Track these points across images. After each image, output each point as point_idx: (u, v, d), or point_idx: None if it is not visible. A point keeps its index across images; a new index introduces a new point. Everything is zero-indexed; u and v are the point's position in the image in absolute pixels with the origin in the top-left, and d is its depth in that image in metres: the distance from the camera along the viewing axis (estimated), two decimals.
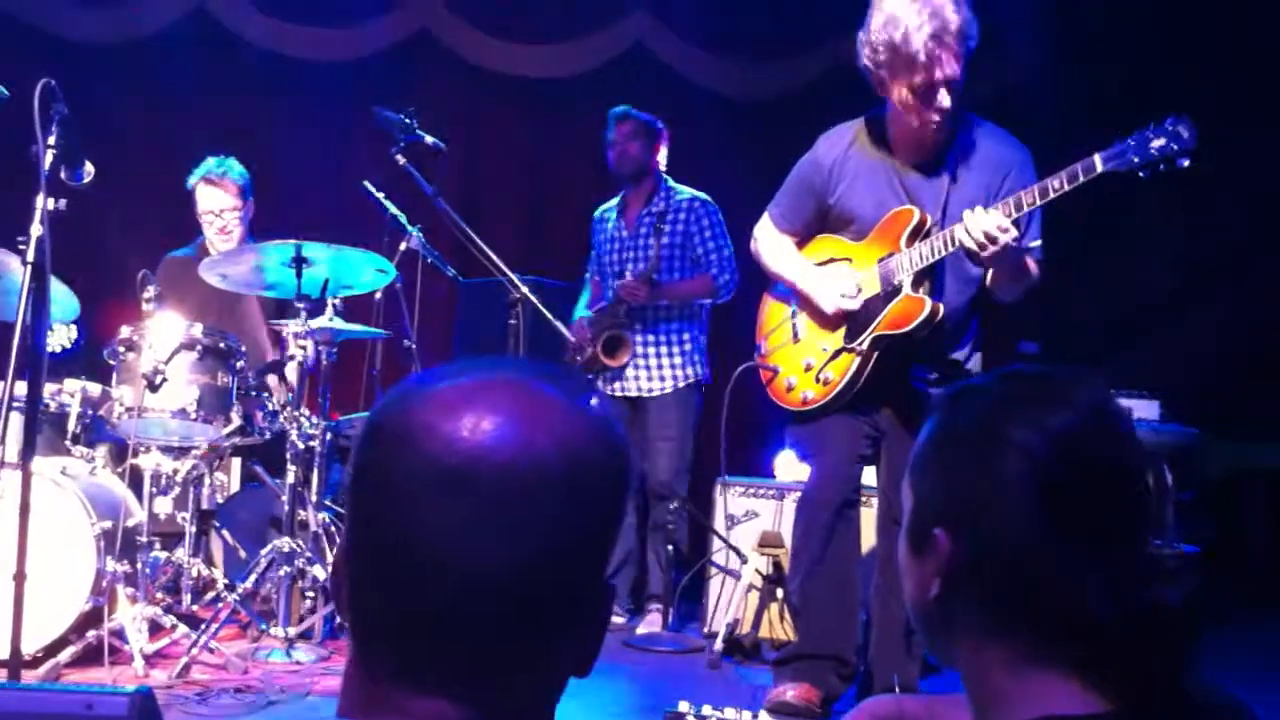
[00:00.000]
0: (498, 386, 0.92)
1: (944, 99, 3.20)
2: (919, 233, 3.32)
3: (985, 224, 3.10)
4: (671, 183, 5.12)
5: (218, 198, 4.77)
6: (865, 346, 3.39)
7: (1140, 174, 2.98)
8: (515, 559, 0.88)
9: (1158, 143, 2.94)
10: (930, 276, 3.34)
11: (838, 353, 3.45)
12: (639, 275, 4.91)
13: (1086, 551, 1.11)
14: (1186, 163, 2.93)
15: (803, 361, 3.53)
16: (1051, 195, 3.06)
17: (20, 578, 2.80)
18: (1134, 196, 5.48)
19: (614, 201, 5.24)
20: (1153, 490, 1.15)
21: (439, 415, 0.90)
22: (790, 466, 5.04)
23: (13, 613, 2.79)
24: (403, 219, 4.24)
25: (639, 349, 4.99)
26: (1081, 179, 3.02)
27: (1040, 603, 1.11)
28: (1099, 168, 3.00)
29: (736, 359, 3.81)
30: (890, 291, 3.36)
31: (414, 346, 4.29)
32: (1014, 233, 3.11)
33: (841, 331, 3.45)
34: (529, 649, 0.91)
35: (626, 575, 5.08)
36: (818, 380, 3.48)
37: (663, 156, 5.12)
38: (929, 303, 3.31)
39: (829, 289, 3.45)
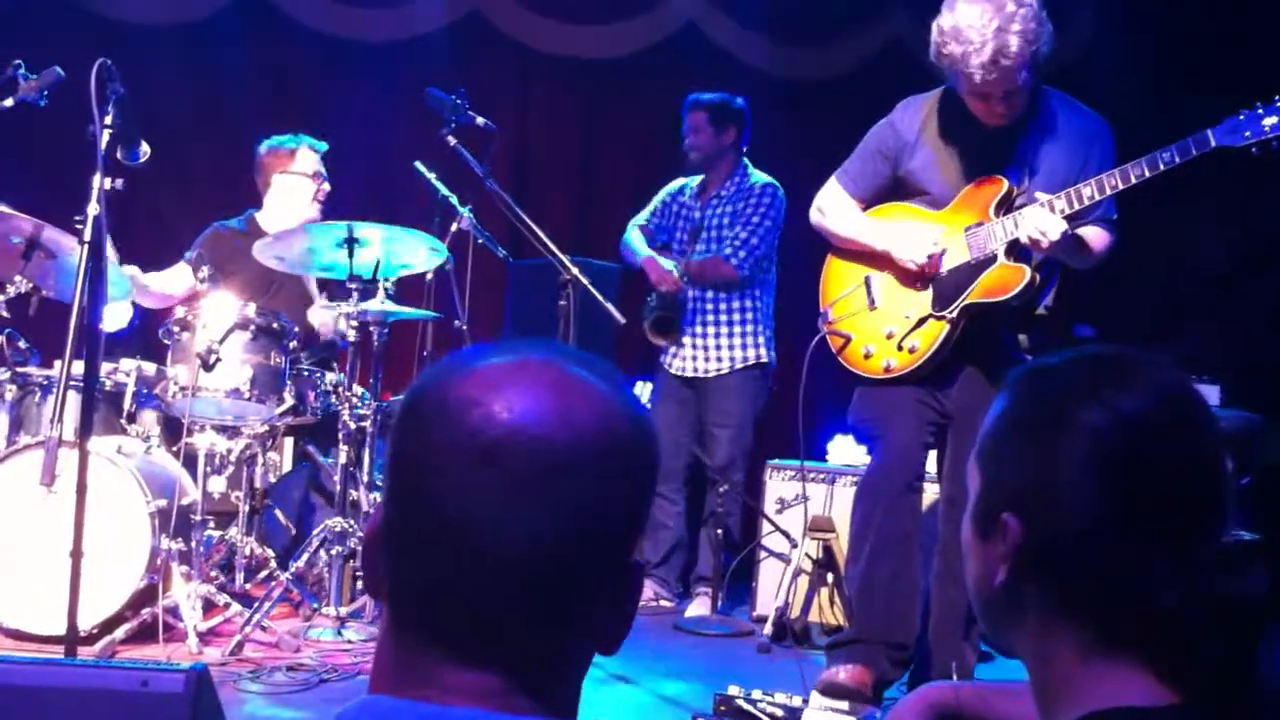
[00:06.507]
0: (535, 365, 0.94)
1: (1000, 106, 3.23)
2: (1006, 203, 3.29)
3: (1033, 221, 3.12)
4: (751, 168, 5.04)
5: (315, 162, 4.80)
6: (956, 314, 3.34)
7: (1252, 150, 2.96)
8: (553, 532, 0.89)
9: (1270, 120, 2.92)
10: (1020, 245, 3.31)
11: (924, 320, 3.39)
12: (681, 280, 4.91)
13: (1155, 540, 1.08)
14: None
15: (884, 329, 3.45)
16: (1161, 168, 3.04)
17: (77, 555, 2.83)
18: (1190, 174, 5.36)
19: (698, 178, 5.17)
20: (1228, 481, 1.11)
21: (479, 390, 0.91)
22: (843, 451, 5.00)
23: (69, 590, 2.83)
24: (454, 200, 4.23)
25: (696, 326, 4.96)
26: (1194, 153, 3.00)
27: (1109, 592, 1.08)
28: (1212, 143, 2.98)
29: (795, 335, 3.75)
30: (983, 260, 3.31)
31: (465, 327, 4.29)
32: (1058, 230, 3.10)
33: (927, 298, 3.39)
34: (563, 624, 0.92)
35: (677, 561, 5.08)
36: (901, 348, 3.41)
37: (737, 138, 5.01)
38: (1028, 271, 3.26)
39: (911, 243, 3.38)
